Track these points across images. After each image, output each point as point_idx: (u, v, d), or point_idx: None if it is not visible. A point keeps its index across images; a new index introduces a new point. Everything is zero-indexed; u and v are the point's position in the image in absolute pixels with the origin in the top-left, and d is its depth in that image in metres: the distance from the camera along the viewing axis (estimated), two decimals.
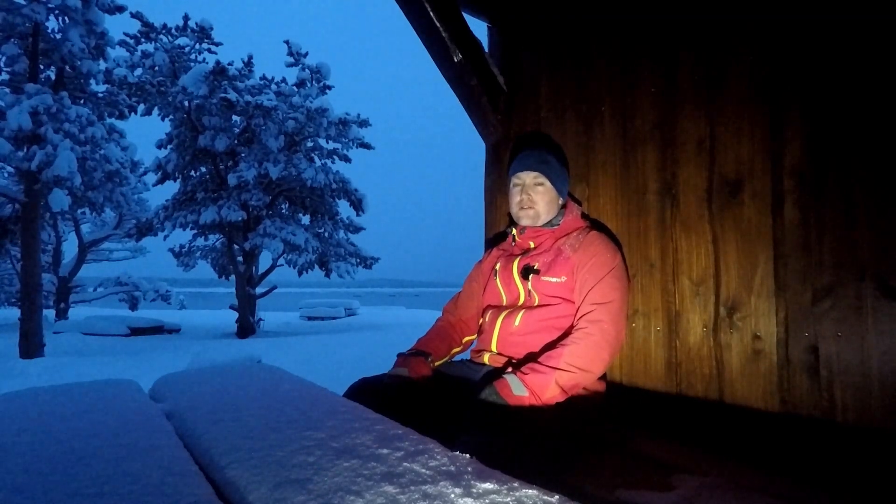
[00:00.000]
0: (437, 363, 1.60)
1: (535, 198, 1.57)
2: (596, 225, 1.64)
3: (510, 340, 1.50)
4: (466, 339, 1.71)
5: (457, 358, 1.68)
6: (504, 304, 1.59)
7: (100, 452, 0.89)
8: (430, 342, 1.64)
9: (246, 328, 12.09)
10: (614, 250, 1.52)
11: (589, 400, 1.44)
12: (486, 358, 1.53)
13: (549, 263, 1.52)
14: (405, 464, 0.78)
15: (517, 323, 1.49)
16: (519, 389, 1.26)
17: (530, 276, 1.52)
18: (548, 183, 1.57)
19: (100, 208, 11.39)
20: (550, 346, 1.43)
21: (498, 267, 1.63)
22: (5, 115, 8.22)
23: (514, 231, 1.63)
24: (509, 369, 1.36)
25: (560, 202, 1.62)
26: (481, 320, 1.66)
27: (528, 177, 1.58)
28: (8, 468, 0.83)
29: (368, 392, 1.43)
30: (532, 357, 1.41)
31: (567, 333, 1.44)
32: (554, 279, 1.49)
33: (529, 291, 1.53)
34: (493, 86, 1.97)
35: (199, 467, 0.87)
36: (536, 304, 1.51)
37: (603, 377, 1.52)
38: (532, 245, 1.60)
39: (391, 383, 1.46)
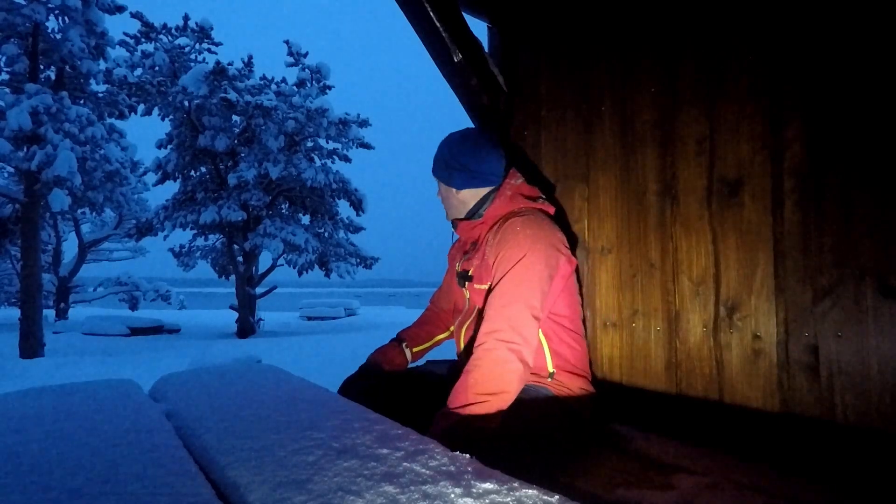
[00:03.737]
0: (416, 348, 1.61)
1: (442, 199, 1.55)
2: (556, 204, 1.56)
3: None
4: (453, 327, 1.67)
5: (456, 357, 1.68)
6: (465, 307, 1.52)
7: (100, 452, 0.89)
8: (409, 330, 1.67)
9: (246, 328, 12.10)
10: (525, 237, 1.32)
11: (582, 400, 1.43)
12: None
13: (479, 267, 1.40)
14: (405, 464, 0.78)
15: (475, 333, 1.36)
16: (462, 438, 1.12)
17: (466, 284, 1.44)
18: (439, 182, 1.53)
19: (100, 208, 11.41)
20: None
21: (458, 267, 1.54)
22: (5, 115, 8.23)
23: (453, 227, 1.58)
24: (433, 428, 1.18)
25: (464, 194, 1.48)
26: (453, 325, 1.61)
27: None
28: (8, 468, 0.83)
29: (371, 391, 1.43)
30: None
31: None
32: (483, 286, 1.37)
33: (470, 300, 1.45)
34: (493, 86, 1.97)
35: (199, 467, 0.87)
36: (483, 314, 1.35)
37: (588, 375, 1.48)
38: (478, 237, 1.49)
39: (362, 377, 1.49)
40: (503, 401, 1.19)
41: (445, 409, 1.19)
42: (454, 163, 1.48)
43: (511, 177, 1.50)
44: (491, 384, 1.18)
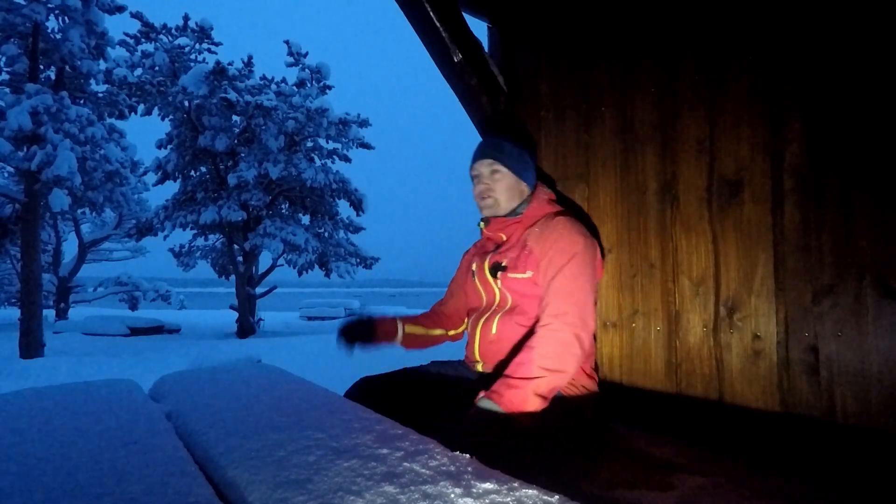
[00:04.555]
0: (408, 327, 1.63)
1: (492, 185, 1.49)
2: (572, 209, 1.59)
3: (491, 349, 1.45)
4: (452, 332, 1.71)
5: (457, 358, 1.68)
6: (483, 305, 1.55)
7: (100, 452, 0.89)
8: (410, 315, 1.69)
9: (246, 328, 12.10)
10: (580, 235, 1.41)
11: (586, 399, 1.43)
12: (479, 367, 1.50)
13: (515, 259, 1.44)
14: (405, 464, 0.78)
15: (494, 330, 1.44)
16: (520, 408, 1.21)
17: (498, 274, 1.46)
18: (504, 169, 1.49)
19: (100, 208, 11.40)
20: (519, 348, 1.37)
21: (475, 267, 1.58)
22: (5, 115, 8.23)
23: (481, 225, 1.58)
24: (481, 394, 1.25)
25: (525, 189, 1.52)
26: (466, 325, 1.63)
27: (482, 166, 1.52)
28: (8, 468, 0.83)
29: (370, 391, 1.43)
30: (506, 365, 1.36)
31: None
32: (520, 275, 1.41)
33: (501, 290, 1.47)
34: (493, 86, 1.97)
35: (198, 467, 0.87)
36: (510, 305, 1.45)
37: (594, 375, 1.49)
38: (504, 237, 1.54)
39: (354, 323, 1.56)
40: (560, 379, 1.27)
41: (506, 378, 1.24)
42: (528, 158, 1.55)
43: (540, 184, 1.58)
44: (552, 361, 1.24)
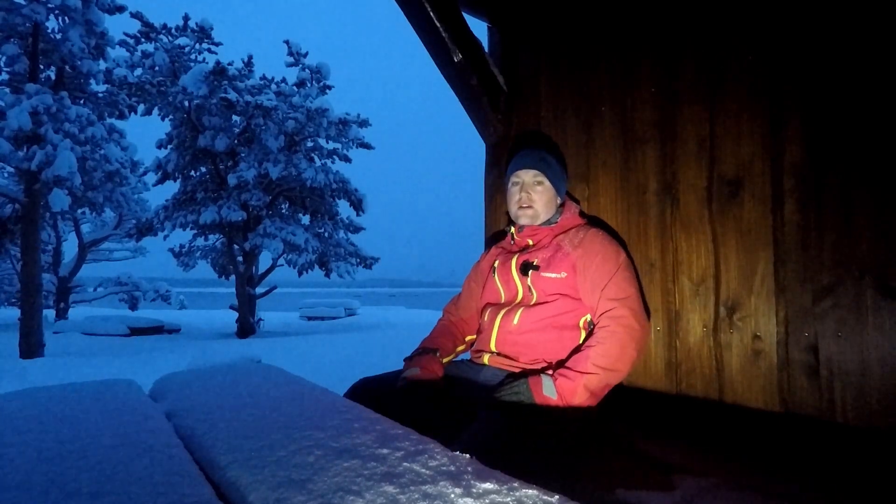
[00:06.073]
0: (445, 359, 1.60)
1: (533, 197, 1.56)
2: (594, 222, 1.64)
3: (509, 339, 1.49)
4: (469, 338, 1.70)
5: (458, 358, 1.68)
6: (502, 301, 1.59)
7: (100, 452, 0.89)
8: (435, 340, 1.64)
9: (246, 328, 12.09)
10: (618, 246, 1.51)
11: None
12: (485, 359, 1.52)
13: (548, 260, 1.51)
14: (405, 464, 0.78)
15: (516, 321, 1.49)
16: (549, 390, 1.28)
17: (529, 273, 1.52)
18: (547, 182, 1.57)
19: (100, 208, 11.40)
20: (551, 344, 1.43)
21: (496, 264, 1.62)
22: (5, 115, 8.22)
23: (513, 230, 1.63)
24: (550, 371, 1.34)
25: (558, 201, 1.61)
26: (480, 319, 1.65)
27: (526, 175, 1.57)
28: (8, 468, 0.83)
29: (369, 392, 1.43)
30: (535, 353, 1.42)
31: (567, 331, 1.44)
32: (553, 275, 1.48)
33: (529, 288, 1.52)
34: (493, 86, 1.97)
35: (199, 467, 0.87)
36: (535, 301, 1.50)
37: None
38: (531, 242, 1.60)
39: (404, 385, 1.45)
40: (614, 377, 1.34)
41: (564, 369, 1.33)
42: (564, 171, 1.67)
43: (568, 195, 1.67)
44: (608, 360, 1.32)
